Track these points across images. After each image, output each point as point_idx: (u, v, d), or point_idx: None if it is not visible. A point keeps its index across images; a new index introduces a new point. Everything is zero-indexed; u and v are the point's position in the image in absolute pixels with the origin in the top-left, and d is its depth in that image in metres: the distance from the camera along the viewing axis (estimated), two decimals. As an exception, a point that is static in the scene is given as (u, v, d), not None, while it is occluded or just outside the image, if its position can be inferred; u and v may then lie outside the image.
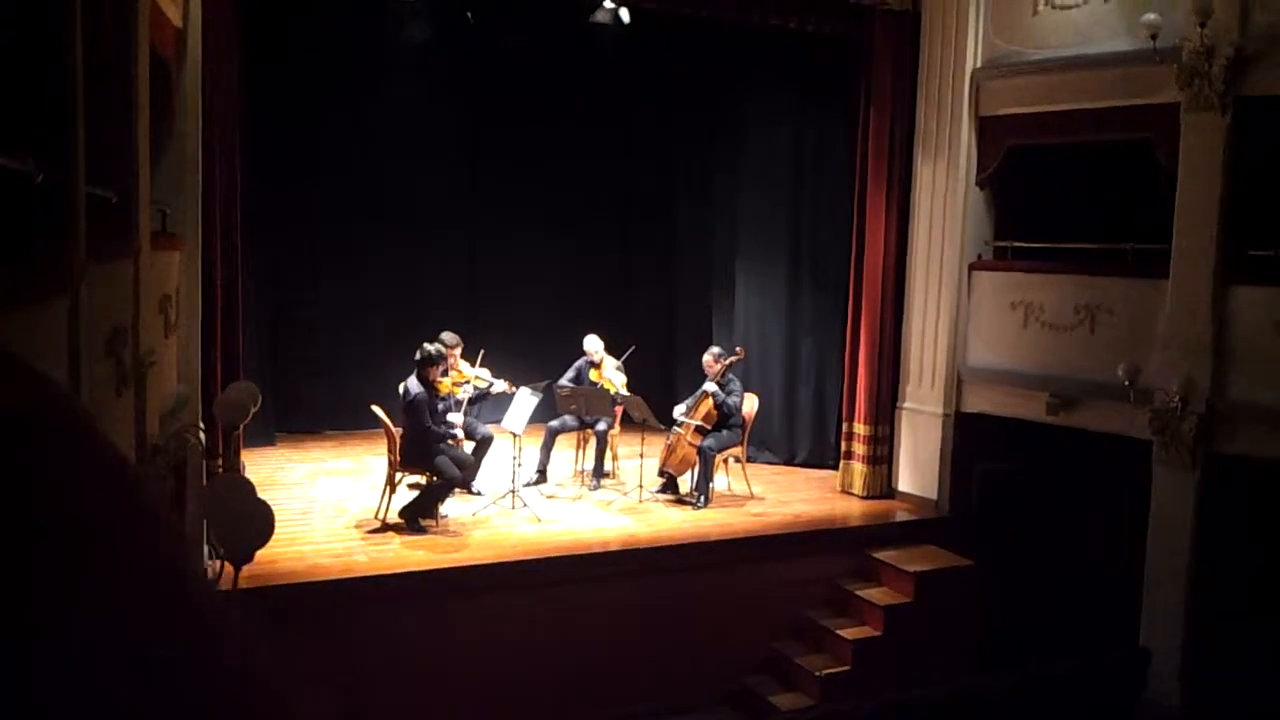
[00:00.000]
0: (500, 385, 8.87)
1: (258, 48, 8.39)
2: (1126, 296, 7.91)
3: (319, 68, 10.35)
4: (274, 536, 5.25)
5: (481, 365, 9.04)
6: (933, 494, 9.23)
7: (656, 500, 9.10)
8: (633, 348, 9.65)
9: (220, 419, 6.29)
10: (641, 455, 9.01)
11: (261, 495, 4.99)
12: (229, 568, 5.58)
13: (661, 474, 9.27)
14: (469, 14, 10.57)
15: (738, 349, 9.36)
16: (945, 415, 9.18)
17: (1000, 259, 9.00)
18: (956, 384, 9.15)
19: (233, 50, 7.24)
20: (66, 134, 2.96)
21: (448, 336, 8.75)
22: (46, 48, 2.88)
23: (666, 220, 12.25)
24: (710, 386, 8.93)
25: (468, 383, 8.76)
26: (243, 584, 6.19)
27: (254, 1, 7.96)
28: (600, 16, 9.98)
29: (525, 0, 9.43)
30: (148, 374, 4.56)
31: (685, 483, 9.25)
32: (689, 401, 9.14)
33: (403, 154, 10.89)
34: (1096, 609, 8.12)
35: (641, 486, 9.05)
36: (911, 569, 8.34)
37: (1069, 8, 8.15)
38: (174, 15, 5.92)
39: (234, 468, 6.94)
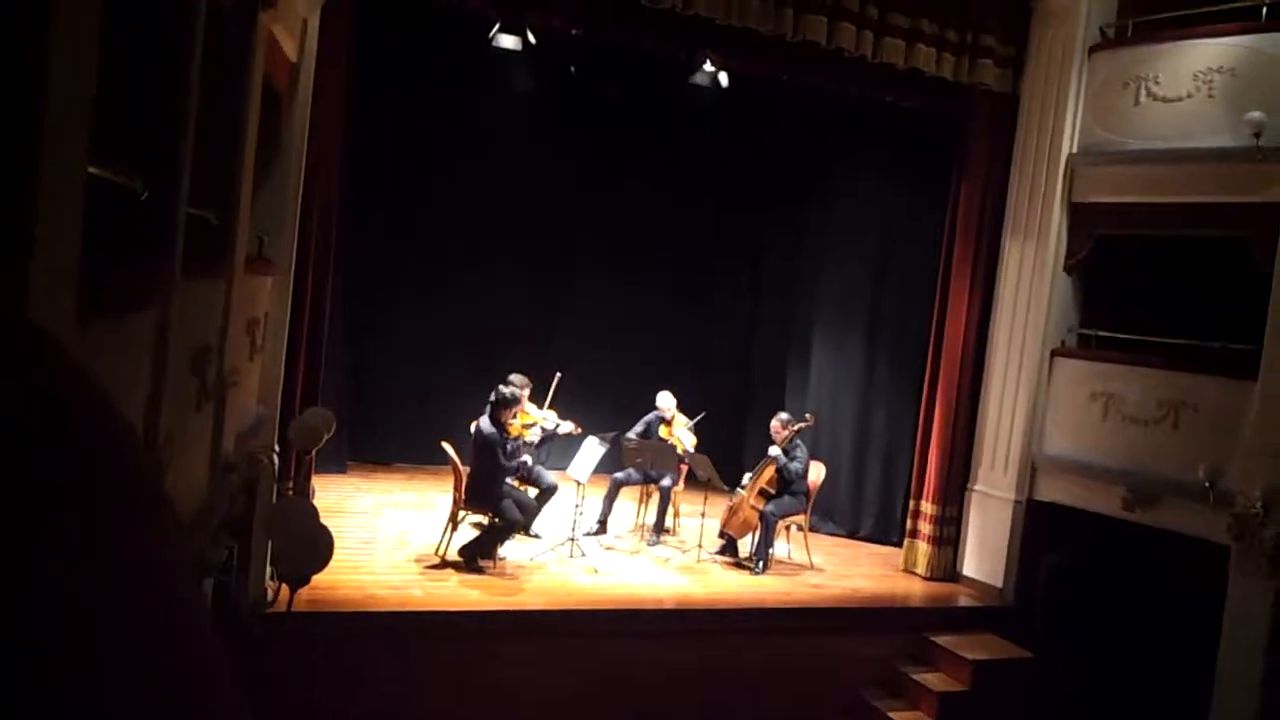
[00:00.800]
0: (566, 426, 8.94)
1: (364, 85, 8.66)
2: (1212, 395, 7.70)
3: (421, 108, 10.66)
4: (335, 563, 5.35)
5: (554, 397, 9.11)
6: (997, 581, 9.02)
7: (714, 561, 9.03)
8: (703, 414, 9.64)
9: (294, 442, 6.42)
10: (703, 515, 8.97)
11: (326, 521, 5.08)
12: (286, 588, 5.67)
13: (722, 535, 9.21)
14: (572, 68, 10.84)
15: (807, 416, 9.30)
16: (1016, 501, 8.99)
17: (1084, 347, 8.84)
18: (1030, 471, 8.97)
19: (341, 87, 7.48)
20: (175, 155, 3.09)
21: (517, 378, 8.84)
22: (166, 71, 3.02)
23: (748, 281, 12.33)
24: (774, 451, 8.89)
25: (535, 425, 8.85)
26: (300, 607, 6.29)
27: (366, 42, 8.24)
28: (699, 78, 10.16)
29: (627, 58, 9.61)
30: (229, 394, 4.68)
31: (745, 546, 9.17)
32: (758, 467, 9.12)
33: (492, 197, 11.13)
34: (1161, 714, 7.82)
35: (701, 546, 9.00)
36: (970, 656, 8.14)
37: (1172, 100, 8.06)
38: (290, 50, 6.14)
39: (303, 492, 7.06)
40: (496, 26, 9.82)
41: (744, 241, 12.30)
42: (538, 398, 9.17)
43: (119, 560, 0.56)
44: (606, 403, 10.48)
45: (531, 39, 9.89)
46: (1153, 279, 8.55)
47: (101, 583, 0.54)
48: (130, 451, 0.63)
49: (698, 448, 9.33)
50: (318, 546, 5.08)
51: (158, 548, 0.60)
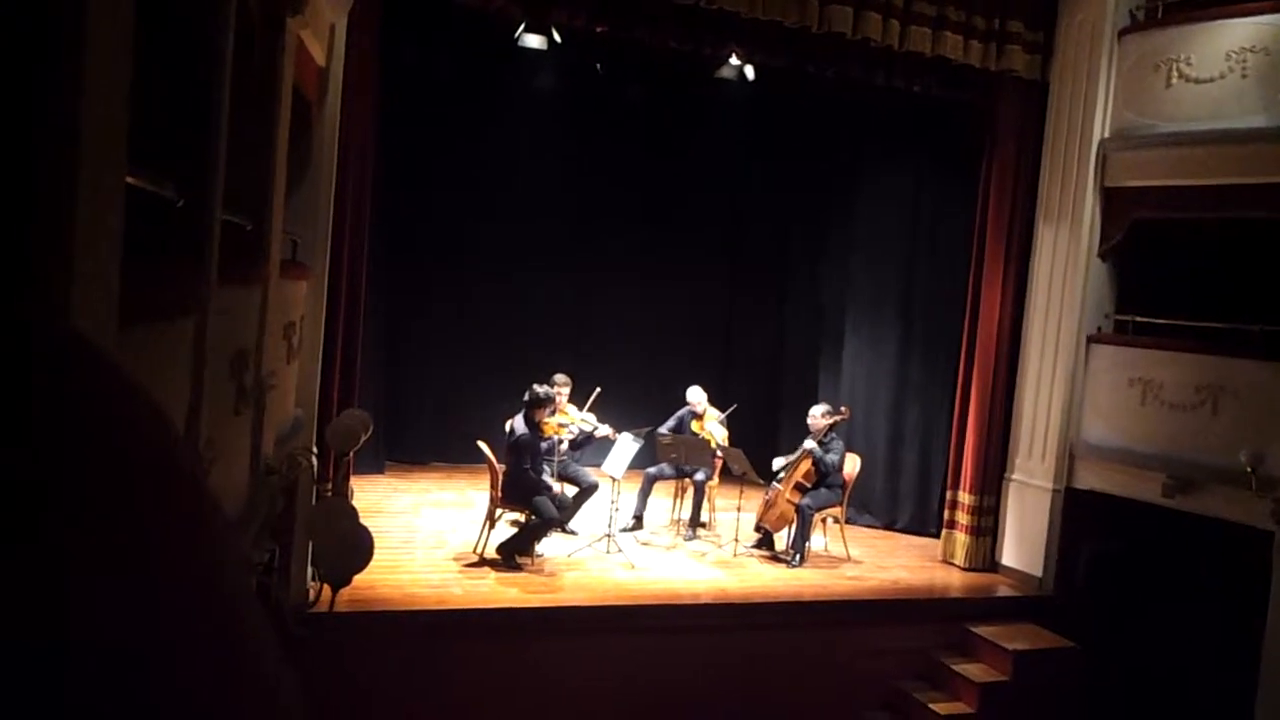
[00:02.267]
0: (604, 430, 8.95)
1: (391, 86, 8.72)
2: (1252, 379, 7.60)
3: (448, 109, 10.74)
4: (375, 563, 5.40)
5: (594, 405, 9.14)
6: (1037, 570, 8.95)
7: (751, 555, 9.03)
8: (734, 407, 9.63)
9: (332, 444, 6.47)
10: (739, 509, 8.97)
11: (366, 522, 5.13)
12: (328, 589, 5.73)
13: (758, 529, 9.21)
14: (598, 65, 10.86)
15: (843, 408, 9.27)
16: (1055, 490, 8.92)
17: (1120, 333, 8.75)
18: (1068, 459, 8.89)
19: (370, 90, 7.54)
20: (209, 163, 3.14)
21: (560, 377, 8.94)
22: (197, 80, 3.07)
23: (777, 274, 12.29)
24: (810, 444, 8.86)
25: (573, 424, 8.88)
26: (341, 607, 6.35)
27: (393, 45, 8.29)
28: (725, 72, 10.14)
29: (652, 55, 9.61)
30: (268, 397, 4.74)
31: (781, 540, 9.16)
32: (789, 457, 9.09)
33: (521, 195, 11.21)
34: (1207, 703, 7.74)
35: (737, 540, 9.00)
36: (1011, 647, 8.09)
37: (1204, 81, 7.96)
38: (319, 55, 6.19)
39: (342, 493, 7.12)
40: (522, 26, 9.85)
41: (772, 234, 12.27)
42: (577, 400, 9.20)
43: (169, 564, 0.57)
44: (638, 399, 10.51)
45: (556, 38, 9.91)
46: (1188, 262, 8.44)
47: (151, 588, 0.54)
48: (177, 456, 0.65)
49: (730, 441, 9.33)
50: (358, 547, 5.12)
51: (207, 549, 0.61)
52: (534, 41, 10.06)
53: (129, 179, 1.98)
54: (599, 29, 8.56)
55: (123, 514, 0.56)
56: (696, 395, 9.54)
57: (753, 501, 9.16)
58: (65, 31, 1.44)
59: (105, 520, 0.55)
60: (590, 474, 8.90)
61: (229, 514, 3.83)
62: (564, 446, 8.82)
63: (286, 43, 4.58)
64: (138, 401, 0.63)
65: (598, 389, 9.13)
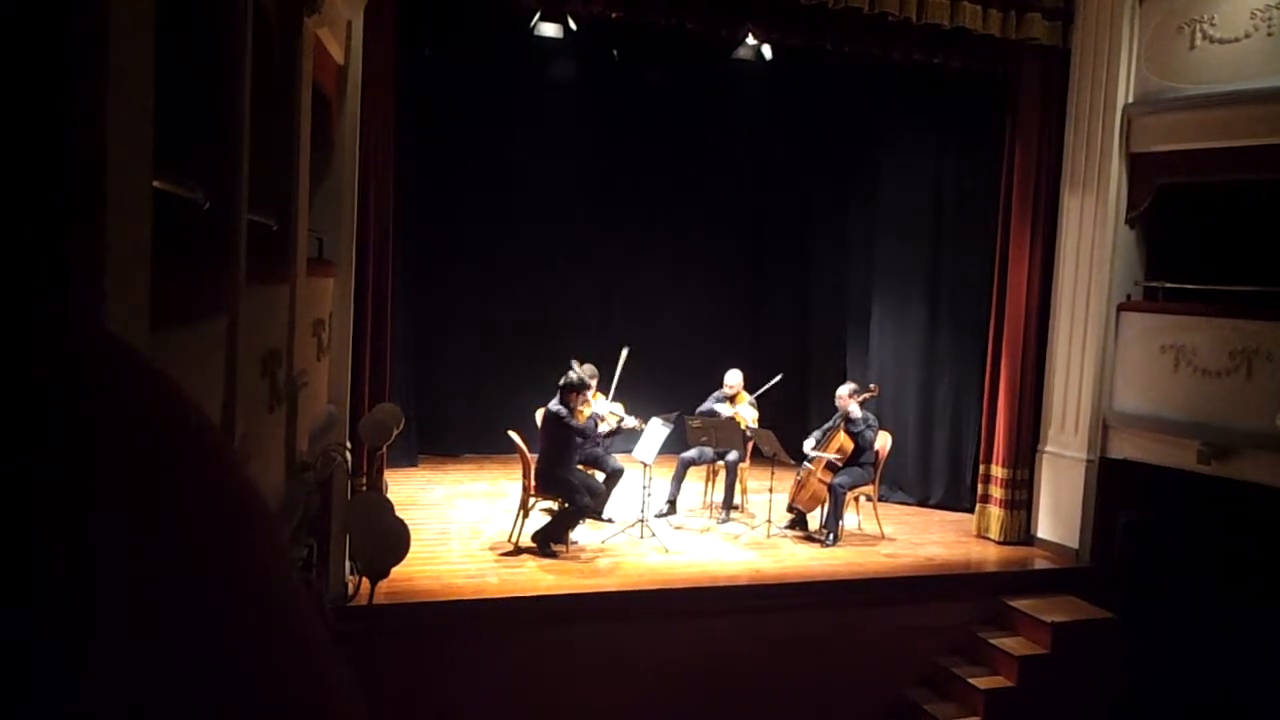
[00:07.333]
0: (631, 421, 8.95)
1: (410, 81, 8.75)
2: (1286, 342, 7.52)
3: (466, 100, 10.76)
4: (412, 555, 5.45)
5: (624, 366, 9.17)
6: (1073, 542, 8.90)
7: (785, 536, 9.03)
8: (779, 376, 9.63)
9: (365, 439, 6.53)
10: (771, 490, 8.97)
11: (401, 514, 5.16)
12: (366, 582, 5.78)
13: (790, 510, 9.20)
14: (614, 52, 10.84)
15: (872, 386, 9.24)
16: (1089, 461, 8.86)
17: (1150, 300, 8.67)
18: (1101, 429, 8.83)
19: (389, 86, 7.57)
20: (233, 165, 3.17)
21: (586, 368, 8.96)
22: (218, 83, 3.10)
23: (802, 254, 12.25)
24: (855, 413, 8.80)
25: (609, 417, 8.89)
26: (380, 599, 6.41)
27: (410, 39, 8.31)
28: (742, 53, 10.10)
29: (669, 38, 9.58)
30: (300, 394, 4.79)
31: (814, 519, 9.16)
32: (818, 435, 9.08)
33: (543, 184, 11.24)
34: (1251, 675, 7.68)
35: (770, 521, 9.00)
36: (1049, 619, 8.05)
37: (1229, 42, 7.85)
38: (337, 53, 6.23)
39: (377, 487, 7.17)
40: (537, 15, 9.85)
41: (795, 215, 12.23)
42: (604, 385, 9.21)
43: (216, 556, 0.57)
44: (665, 384, 10.52)
45: (572, 25, 9.90)
46: (1219, 226, 8.35)
47: (200, 582, 0.55)
48: (217, 447, 0.65)
49: (761, 422, 9.33)
50: (394, 540, 5.16)
51: (253, 538, 0.62)
52: (550, 30, 10.07)
53: (156, 183, 2.01)
54: (614, 15, 8.54)
55: (164, 506, 0.56)
56: (734, 378, 9.53)
57: (784, 483, 9.15)
58: (86, 39, 1.46)
59: (145, 515, 0.55)
60: (617, 460, 8.93)
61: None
62: (603, 431, 8.79)
63: (305, 42, 4.61)
64: (172, 396, 0.64)
65: (625, 350, 9.14)
